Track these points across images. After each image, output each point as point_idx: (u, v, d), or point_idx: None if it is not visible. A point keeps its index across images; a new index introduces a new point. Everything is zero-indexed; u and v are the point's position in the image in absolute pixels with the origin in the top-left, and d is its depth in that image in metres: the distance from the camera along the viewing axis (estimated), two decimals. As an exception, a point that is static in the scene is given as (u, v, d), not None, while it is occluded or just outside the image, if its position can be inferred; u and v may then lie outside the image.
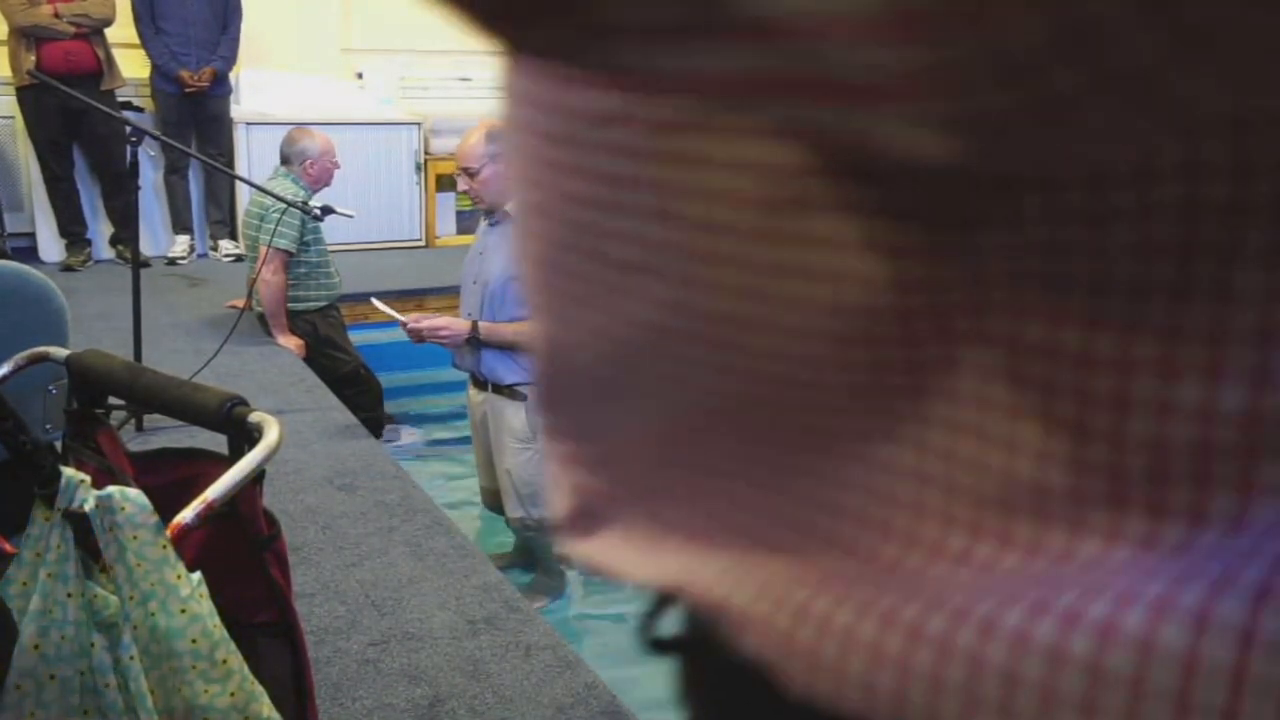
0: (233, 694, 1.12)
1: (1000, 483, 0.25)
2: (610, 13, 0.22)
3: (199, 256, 6.44)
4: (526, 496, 3.47)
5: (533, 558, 3.62)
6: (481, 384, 3.48)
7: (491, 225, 3.47)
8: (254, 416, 1.22)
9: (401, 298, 5.34)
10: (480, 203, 3.45)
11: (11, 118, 5.92)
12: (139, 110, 5.92)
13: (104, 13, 5.66)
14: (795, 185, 0.26)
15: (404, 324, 3.50)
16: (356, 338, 4.81)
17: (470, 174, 3.37)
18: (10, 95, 5.74)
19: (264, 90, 6.63)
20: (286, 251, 4.22)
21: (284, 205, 4.04)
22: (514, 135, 0.35)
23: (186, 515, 1.12)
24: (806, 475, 0.29)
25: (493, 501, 3.72)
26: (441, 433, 4.94)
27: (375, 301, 3.69)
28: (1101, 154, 0.22)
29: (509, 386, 3.42)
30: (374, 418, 4.31)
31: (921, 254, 0.25)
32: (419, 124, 6.92)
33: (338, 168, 4.50)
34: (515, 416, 3.43)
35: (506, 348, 3.39)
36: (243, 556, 1.24)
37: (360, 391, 4.34)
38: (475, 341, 3.38)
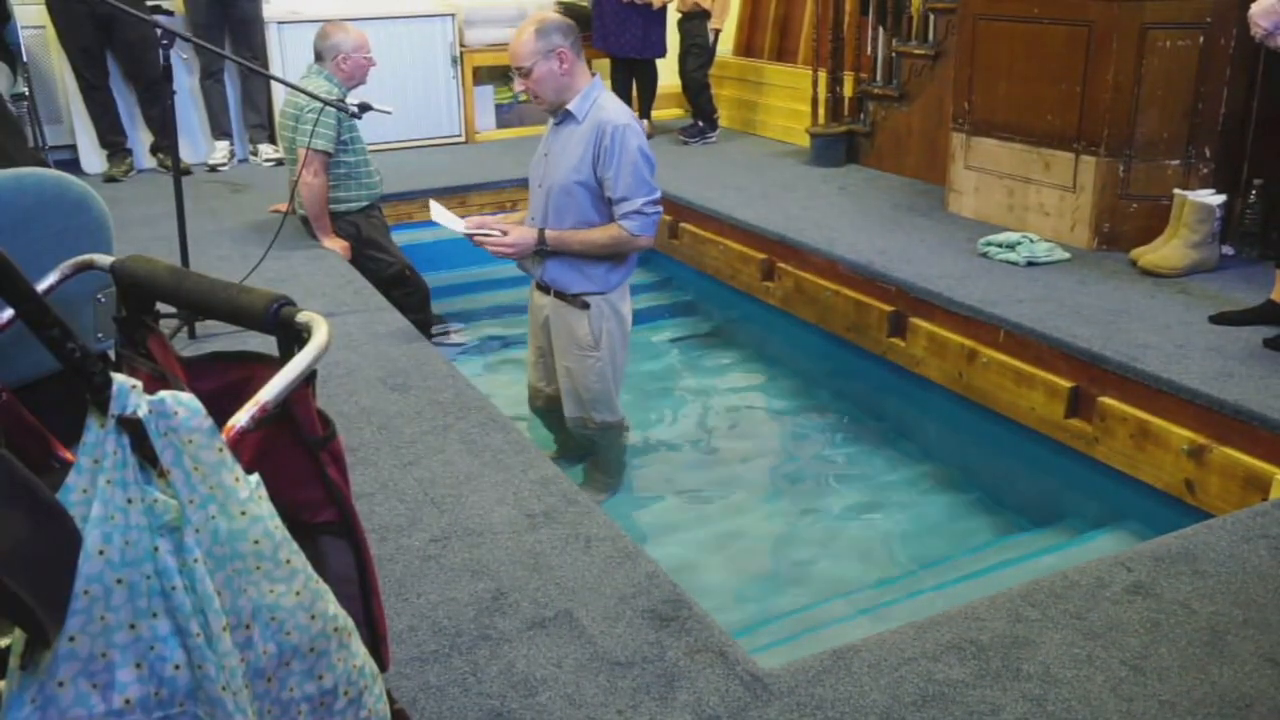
0: (298, 593, 1.12)
1: None
2: None
3: (239, 162, 6.41)
4: (588, 401, 3.46)
5: (584, 454, 3.64)
6: (545, 289, 3.42)
7: (556, 125, 3.32)
8: (302, 316, 1.19)
9: (445, 195, 5.29)
10: (540, 102, 3.26)
11: (43, 27, 5.86)
12: (169, 14, 5.83)
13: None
14: None
15: (470, 236, 3.35)
16: (400, 237, 4.79)
17: (523, 73, 3.20)
18: (40, 4, 5.67)
19: (293, -12, 6.51)
20: (325, 152, 4.17)
21: (319, 105, 3.97)
22: None
23: (241, 418, 1.10)
24: None
25: (543, 403, 3.71)
26: (490, 330, 4.94)
27: (434, 204, 3.57)
28: None
29: (573, 295, 3.35)
30: (422, 319, 4.30)
31: None
32: (452, 15, 6.76)
33: (373, 64, 4.40)
34: (579, 325, 3.38)
35: (573, 256, 3.30)
36: (300, 458, 1.23)
37: (408, 293, 4.33)
38: (543, 251, 3.28)
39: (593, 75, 3.30)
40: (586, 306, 3.34)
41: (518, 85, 3.27)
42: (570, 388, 3.46)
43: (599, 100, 3.25)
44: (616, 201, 3.22)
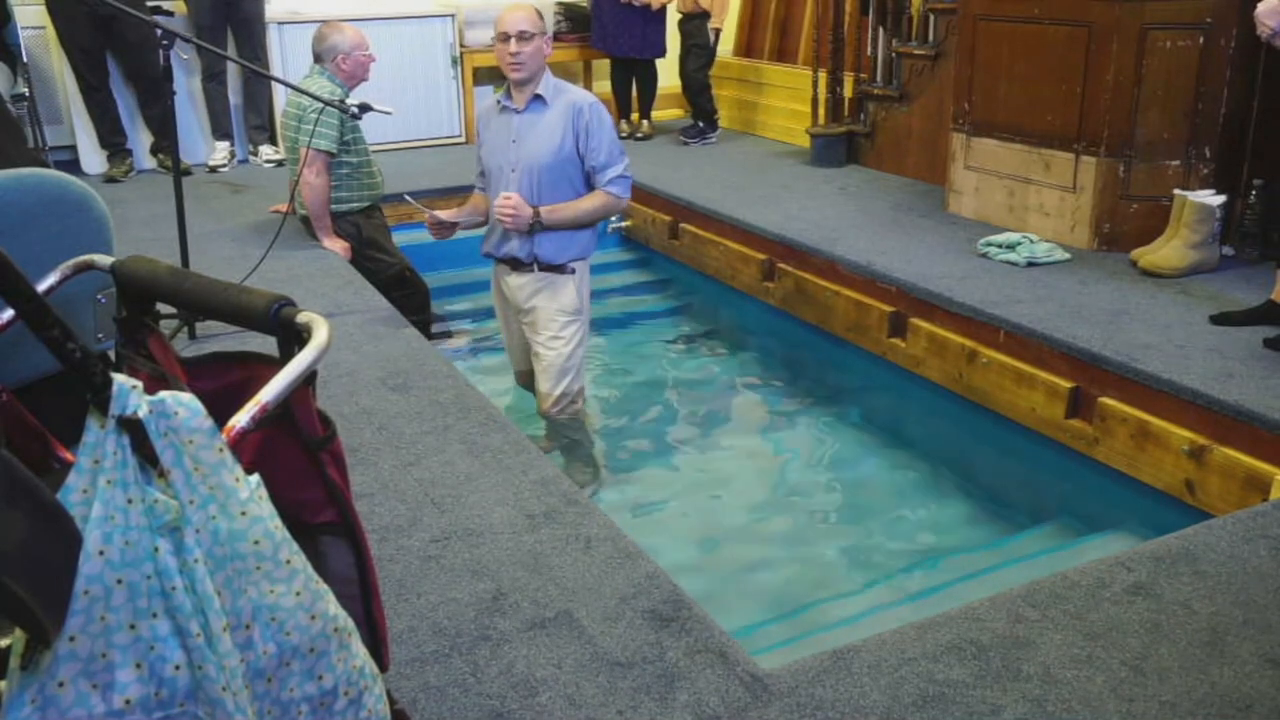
0: (298, 593, 1.12)
1: None
2: None
3: (240, 163, 6.41)
4: (569, 369, 3.62)
5: (565, 441, 3.72)
6: (525, 266, 3.55)
7: (521, 112, 3.50)
8: (302, 317, 1.19)
9: (445, 196, 5.30)
10: (521, 70, 3.43)
11: (43, 27, 5.86)
12: (169, 14, 5.83)
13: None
14: None
15: (438, 220, 3.61)
16: (400, 238, 4.79)
17: (525, 38, 3.38)
18: (40, 4, 5.67)
19: (294, -12, 6.51)
20: (327, 153, 4.17)
21: (321, 105, 3.97)
22: None
23: (241, 419, 1.10)
24: None
25: (528, 382, 3.87)
26: (490, 330, 4.94)
27: (406, 197, 3.77)
28: None
29: (559, 265, 3.54)
30: (423, 320, 4.30)
31: None
32: (453, 15, 6.76)
33: (373, 60, 4.41)
34: (565, 292, 3.56)
35: (565, 228, 3.49)
36: (300, 458, 1.23)
37: (408, 294, 4.33)
38: (537, 225, 3.46)
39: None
40: (573, 273, 3.57)
41: (512, 46, 3.41)
42: (551, 360, 3.60)
43: (558, 84, 3.55)
44: (600, 170, 3.48)
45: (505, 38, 3.41)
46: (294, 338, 1.19)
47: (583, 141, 3.45)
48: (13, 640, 1.02)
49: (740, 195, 5.41)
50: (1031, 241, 4.29)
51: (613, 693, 1.86)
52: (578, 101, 3.47)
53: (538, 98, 3.47)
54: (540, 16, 3.45)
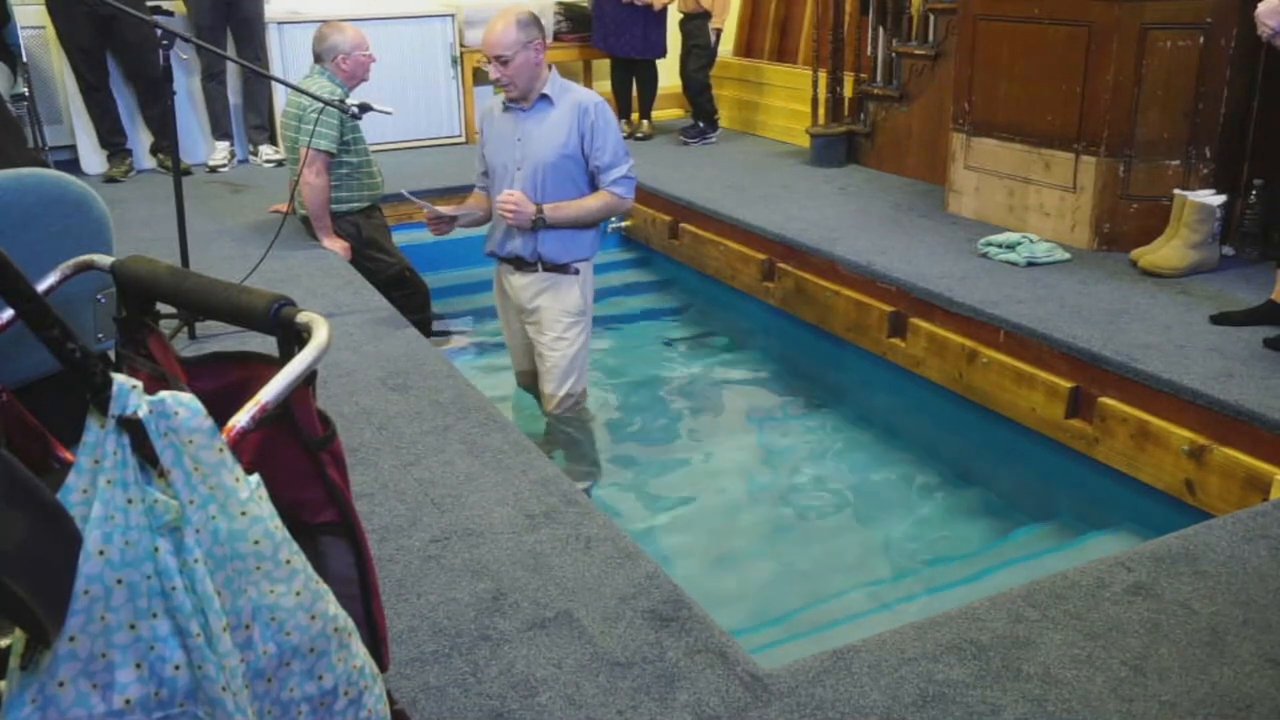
0: (298, 593, 1.12)
1: None
2: None
3: (240, 163, 6.41)
4: (573, 370, 3.63)
5: (565, 439, 3.72)
6: (529, 266, 3.54)
7: (526, 111, 3.50)
8: (302, 316, 1.19)
9: (445, 196, 5.29)
10: (513, 89, 3.44)
11: (43, 27, 5.86)
12: (169, 14, 5.83)
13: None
14: None
15: (438, 214, 3.55)
16: (400, 238, 4.79)
17: (504, 61, 3.37)
18: (40, 4, 5.67)
19: (294, -12, 6.51)
20: (327, 153, 4.17)
21: (321, 105, 3.98)
22: None
23: (241, 419, 1.10)
24: None
25: (529, 382, 3.86)
26: (490, 330, 4.94)
27: (404, 193, 3.77)
28: None
29: (563, 265, 3.54)
30: (422, 320, 4.30)
31: None
32: (452, 15, 6.76)
33: (373, 60, 4.41)
34: (570, 293, 3.56)
35: (567, 226, 3.48)
36: (300, 458, 1.23)
37: (408, 294, 4.33)
38: (540, 223, 3.44)
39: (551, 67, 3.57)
40: (577, 273, 3.57)
41: (494, 72, 3.44)
42: (555, 361, 3.60)
43: (564, 84, 3.54)
44: (604, 170, 3.48)
45: (488, 60, 3.45)
46: (294, 338, 1.19)
47: (588, 141, 3.45)
48: (13, 640, 1.02)
49: (740, 195, 5.40)
50: (1031, 241, 4.29)
51: (613, 693, 1.86)
52: (583, 101, 3.47)
53: (544, 97, 3.47)
54: (523, 27, 3.37)
